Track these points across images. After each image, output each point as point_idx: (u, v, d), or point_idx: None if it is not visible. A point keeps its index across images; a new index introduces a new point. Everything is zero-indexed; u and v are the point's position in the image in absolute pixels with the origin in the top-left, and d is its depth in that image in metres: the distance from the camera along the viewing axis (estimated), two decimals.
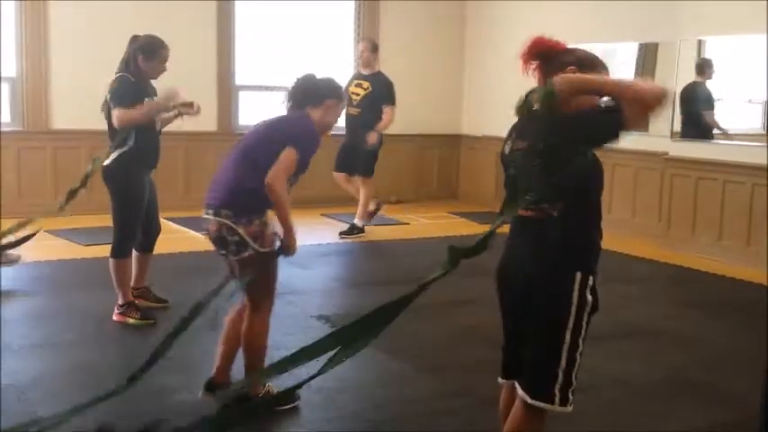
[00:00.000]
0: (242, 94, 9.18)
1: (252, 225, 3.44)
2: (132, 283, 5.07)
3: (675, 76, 7.67)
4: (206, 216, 3.51)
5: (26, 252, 5.57)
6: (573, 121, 2.39)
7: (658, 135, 7.80)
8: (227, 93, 9.02)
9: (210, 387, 3.71)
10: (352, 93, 7.63)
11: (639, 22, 8.06)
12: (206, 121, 8.00)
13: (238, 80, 9.12)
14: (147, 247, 5.14)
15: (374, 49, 7.83)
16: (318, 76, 3.72)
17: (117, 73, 4.82)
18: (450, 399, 3.94)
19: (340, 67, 8.87)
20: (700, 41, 7.50)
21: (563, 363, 2.50)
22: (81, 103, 7.59)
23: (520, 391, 2.62)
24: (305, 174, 3.61)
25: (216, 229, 3.48)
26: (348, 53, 9.52)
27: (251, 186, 3.42)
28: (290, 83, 3.73)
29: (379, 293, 5.59)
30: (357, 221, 7.83)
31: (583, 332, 2.53)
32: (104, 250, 6.61)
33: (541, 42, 2.59)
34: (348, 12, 9.75)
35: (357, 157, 7.75)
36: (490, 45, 9.82)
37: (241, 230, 3.42)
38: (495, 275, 2.64)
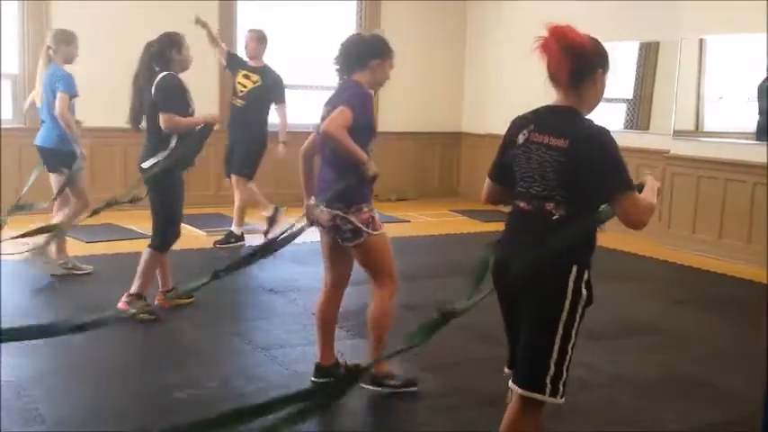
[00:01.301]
0: None
1: (362, 212, 3.65)
2: (161, 287, 5.08)
3: (677, 76, 7.67)
4: (321, 209, 3.70)
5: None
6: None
7: (660, 133, 7.81)
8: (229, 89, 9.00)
9: (322, 372, 3.93)
10: (239, 83, 7.18)
11: (640, 20, 8.05)
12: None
13: None
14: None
15: (261, 39, 7.20)
16: (364, 35, 3.86)
17: (161, 72, 4.84)
18: (450, 397, 3.93)
19: None
20: (701, 40, 7.49)
21: (555, 354, 2.53)
22: (81, 100, 7.58)
23: (511, 384, 2.64)
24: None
25: (329, 219, 3.67)
26: None
27: (353, 182, 3.63)
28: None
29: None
30: (234, 228, 7.04)
31: (576, 325, 2.55)
32: (106, 247, 6.65)
33: (565, 37, 2.53)
34: (350, 12, 9.77)
35: (234, 154, 7.11)
36: (490, 45, 9.82)
37: (354, 219, 3.63)
38: (491, 269, 2.64)
